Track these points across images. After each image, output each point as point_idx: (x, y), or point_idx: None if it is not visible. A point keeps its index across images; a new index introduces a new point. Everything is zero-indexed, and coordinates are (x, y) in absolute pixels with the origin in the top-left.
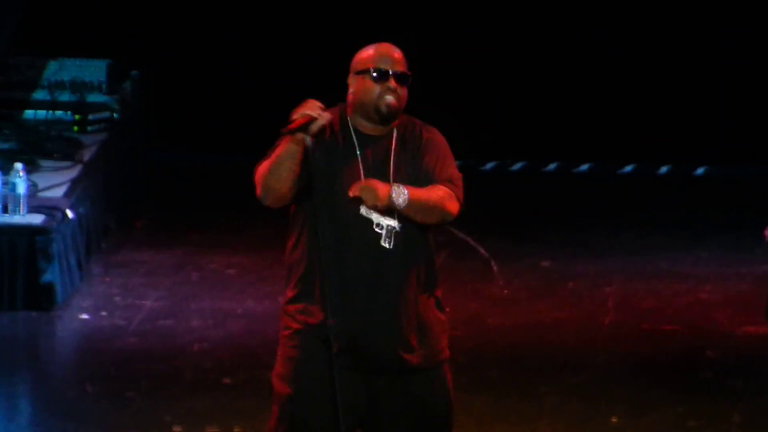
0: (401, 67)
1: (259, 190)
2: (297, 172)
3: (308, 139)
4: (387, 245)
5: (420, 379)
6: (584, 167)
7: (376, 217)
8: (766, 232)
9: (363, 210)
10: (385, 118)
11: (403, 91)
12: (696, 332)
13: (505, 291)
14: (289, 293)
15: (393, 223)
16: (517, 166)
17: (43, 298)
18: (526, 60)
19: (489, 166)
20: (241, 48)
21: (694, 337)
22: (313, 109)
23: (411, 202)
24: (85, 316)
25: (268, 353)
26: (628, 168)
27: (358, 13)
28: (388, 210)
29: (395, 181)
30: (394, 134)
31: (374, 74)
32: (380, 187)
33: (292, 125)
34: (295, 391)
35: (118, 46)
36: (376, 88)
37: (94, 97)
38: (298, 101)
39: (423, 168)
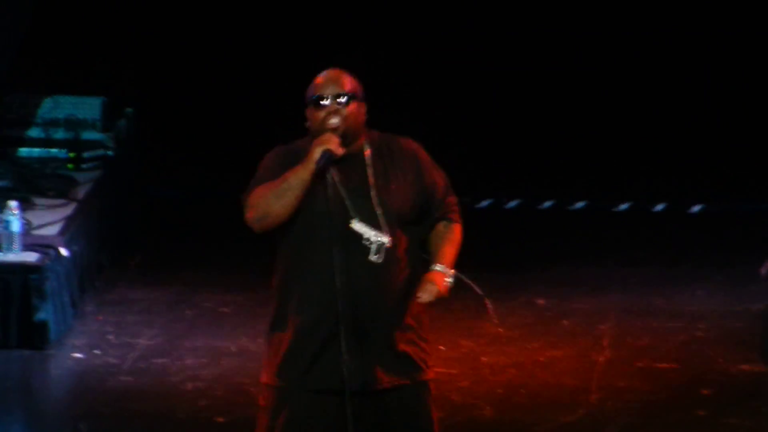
0: (339, 88)
1: (254, 213)
2: (301, 200)
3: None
4: (376, 259)
5: (396, 400)
6: (580, 205)
7: (366, 232)
8: (761, 269)
9: (355, 225)
10: (331, 162)
11: (349, 109)
12: (691, 370)
13: (500, 329)
14: (272, 316)
15: (383, 238)
16: (512, 203)
17: (36, 336)
18: (522, 98)
19: (484, 203)
20: (236, 87)
21: (690, 375)
22: (332, 143)
23: (452, 265)
24: (78, 355)
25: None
26: (624, 206)
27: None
28: (377, 224)
29: (379, 194)
30: (367, 149)
31: (313, 103)
32: (439, 281)
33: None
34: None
35: (113, 83)
36: (320, 115)
37: (88, 135)
38: (291, 140)
39: (424, 187)
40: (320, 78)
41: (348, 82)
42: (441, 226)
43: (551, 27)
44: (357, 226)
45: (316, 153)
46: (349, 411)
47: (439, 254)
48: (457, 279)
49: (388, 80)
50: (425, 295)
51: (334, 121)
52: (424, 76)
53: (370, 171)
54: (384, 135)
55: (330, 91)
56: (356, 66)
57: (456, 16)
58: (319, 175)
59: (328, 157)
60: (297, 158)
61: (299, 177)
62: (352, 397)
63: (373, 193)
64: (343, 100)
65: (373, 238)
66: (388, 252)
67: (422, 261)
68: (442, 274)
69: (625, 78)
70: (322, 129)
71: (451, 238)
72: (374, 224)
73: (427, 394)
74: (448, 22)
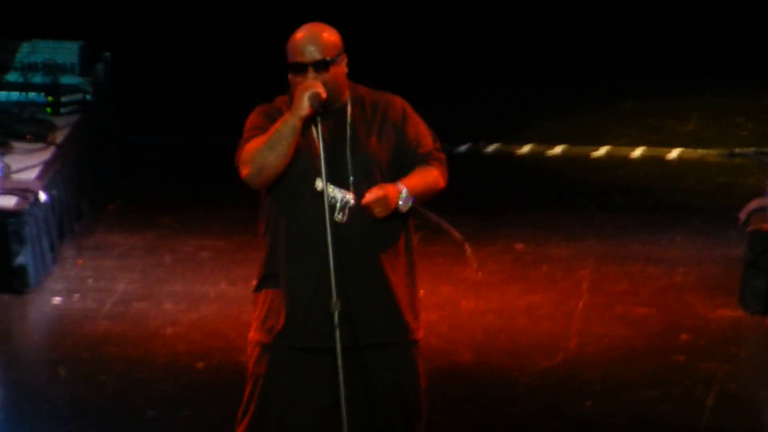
0: (320, 53)
1: (249, 169)
2: (294, 148)
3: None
4: (341, 217)
5: (384, 355)
6: (558, 150)
7: (331, 190)
8: (739, 215)
9: (318, 184)
10: (320, 107)
11: (331, 74)
12: (670, 315)
13: (479, 274)
14: (259, 274)
15: (347, 196)
16: (490, 148)
17: (15, 281)
18: (501, 41)
19: (462, 148)
20: (214, 30)
21: (668, 320)
22: (316, 87)
23: (415, 193)
24: (57, 299)
25: (241, 337)
26: (601, 150)
27: None
28: (344, 183)
29: (354, 149)
30: (348, 105)
31: (293, 69)
32: (391, 193)
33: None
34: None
35: (91, 27)
36: (299, 80)
37: (66, 79)
38: (270, 85)
39: (406, 143)
40: (299, 38)
41: (328, 43)
42: (418, 166)
43: None
44: (320, 184)
45: (304, 99)
46: (339, 365)
47: (405, 177)
48: (432, 222)
49: (366, 27)
50: (369, 195)
51: (315, 90)
52: (402, 21)
53: (348, 128)
54: (370, 91)
55: (310, 56)
56: (333, 11)
57: None
58: (309, 120)
59: (315, 101)
60: (281, 113)
61: (289, 124)
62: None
63: (348, 151)
64: (322, 68)
65: (338, 195)
66: (354, 210)
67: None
68: (398, 190)
69: (601, 19)
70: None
71: (423, 172)
72: (343, 182)
73: (415, 352)
74: None
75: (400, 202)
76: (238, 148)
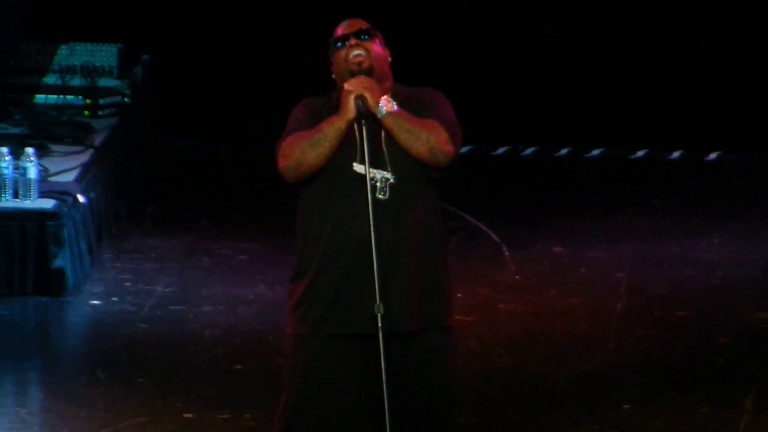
0: (360, 25)
1: (287, 162)
2: (335, 149)
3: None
4: (382, 196)
5: (420, 343)
6: (596, 152)
7: (371, 172)
8: None
9: (357, 168)
10: (361, 73)
11: (372, 44)
12: (708, 318)
13: (517, 277)
14: (296, 265)
15: (387, 174)
16: (528, 151)
17: (53, 284)
18: (540, 45)
19: (501, 151)
20: (253, 34)
21: (707, 324)
22: (362, 83)
23: (400, 113)
24: (95, 302)
25: (279, 339)
26: (640, 153)
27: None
28: (381, 163)
29: (390, 141)
30: (390, 95)
31: (337, 44)
32: (377, 87)
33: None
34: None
35: (129, 30)
36: (342, 53)
37: (104, 82)
38: (307, 87)
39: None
40: (339, 26)
41: (368, 24)
42: None
43: None
44: (360, 168)
45: (350, 102)
46: (382, 352)
47: None
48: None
49: (405, 28)
50: (353, 80)
51: (358, 52)
52: (442, 25)
53: None
54: (410, 88)
55: (349, 30)
56: (373, 14)
57: None
58: (354, 122)
59: (362, 105)
60: (326, 108)
61: (335, 126)
62: (372, 341)
63: (383, 133)
64: (364, 35)
65: (377, 176)
66: (397, 189)
67: (441, 208)
68: (387, 98)
69: (642, 23)
70: (347, 67)
71: (424, 118)
72: (380, 164)
73: (448, 340)
74: None
75: (384, 99)
76: (280, 138)
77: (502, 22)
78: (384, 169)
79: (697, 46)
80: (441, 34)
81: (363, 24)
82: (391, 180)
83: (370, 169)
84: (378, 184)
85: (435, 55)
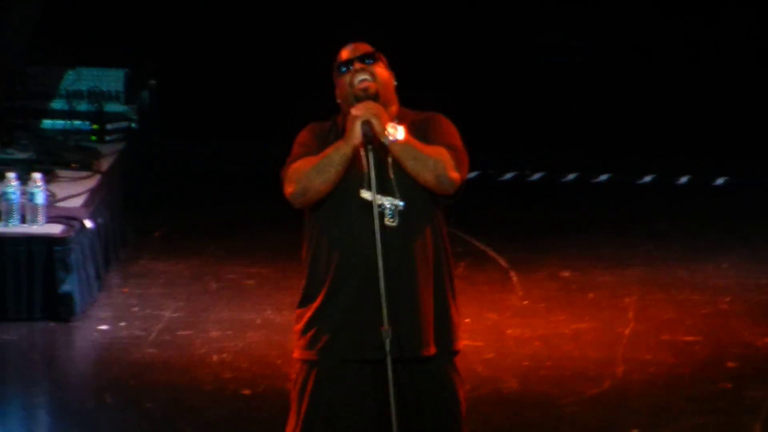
0: (364, 50)
1: (294, 188)
2: (342, 175)
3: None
4: (391, 222)
5: (427, 369)
6: (603, 177)
7: (379, 199)
8: None
9: (365, 194)
10: (367, 98)
11: (377, 68)
12: (716, 343)
13: (525, 301)
14: (303, 290)
15: (395, 201)
16: (536, 176)
17: (61, 308)
18: (546, 72)
19: (508, 176)
20: (261, 59)
21: (714, 348)
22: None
23: (407, 140)
24: (103, 327)
25: (287, 364)
26: (647, 178)
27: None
28: (389, 190)
29: (397, 167)
30: (396, 120)
31: (341, 68)
32: (384, 113)
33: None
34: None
35: (136, 55)
36: (347, 78)
37: (111, 107)
38: (315, 112)
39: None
40: (343, 50)
41: (372, 47)
42: None
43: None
44: (367, 194)
45: (356, 128)
46: (390, 377)
47: None
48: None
49: (411, 53)
50: (360, 105)
51: (363, 77)
52: (449, 49)
53: None
54: (416, 113)
55: (353, 54)
56: (380, 39)
57: None
58: (360, 148)
59: (368, 131)
60: (332, 133)
61: (341, 152)
62: (380, 366)
63: (390, 160)
64: (368, 60)
65: (386, 203)
66: (403, 215)
67: (448, 232)
68: (394, 124)
69: (649, 51)
70: (353, 92)
71: (431, 144)
72: (388, 190)
73: (456, 365)
74: None
75: (389, 128)
76: (285, 164)
77: (509, 48)
78: (392, 195)
79: (708, 75)
80: (448, 59)
81: (367, 48)
82: (400, 207)
83: (378, 196)
84: (386, 210)
85: (442, 80)
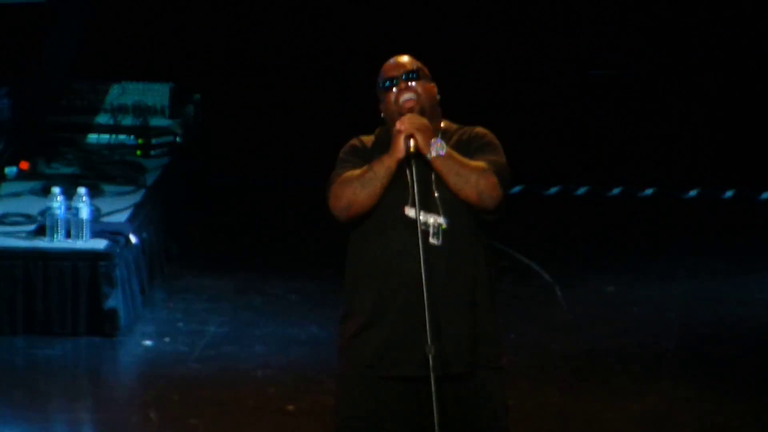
0: (408, 67)
1: (338, 202)
2: (385, 188)
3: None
4: (435, 241)
5: (471, 385)
6: (648, 192)
7: (423, 216)
8: None
9: (409, 212)
10: (416, 149)
11: (422, 86)
12: (762, 358)
13: (569, 316)
14: (346, 305)
15: (440, 219)
16: (581, 190)
17: (106, 324)
18: (591, 85)
19: (552, 190)
20: (302, 73)
21: (760, 363)
22: (418, 126)
23: (450, 155)
24: (147, 342)
25: (332, 379)
26: (692, 192)
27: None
28: (433, 207)
29: (440, 183)
30: (440, 135)
31: (386, 84)
32: (428, 127)
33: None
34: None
35: (180, 69)
36: (392, 96)
37: (156, 121)
38: (359, 126)
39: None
40: (387, 64)
41: (415, 62)
42: None
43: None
44: (411, 212)
45: (400, 142)
46: (434, 393)
47: None
48: (522, 263)
49: (456, 65)
50: (405, 119)
51: (408, 95)
52: (494, 63)
53: None
54: (460, 126)
55: (398, 72)
56: (424, 51)
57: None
58: (404, 163)
59: (412, 145)
60: (376, 147)
61: (385, 165)
62: (423, 383)
63: (433, 176)
64: (413, 76)
65: (430, 221)
66: (449, 234)
67: (491, 247)
68: (438, 139)
69: (694, 63)
70: (397, 110)
71: (472, 160)
72: (432, 208)
73: (500, 380)
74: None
75: (434, 142)
76: (328, 179)
77: (555, 60)
78: (436, 213)
79: (752, 86)
80: (493, 72)
81: (412, 64)
82: (444, 225)
83: (422, 213)
84: (430, 229)
85: (487, 93)
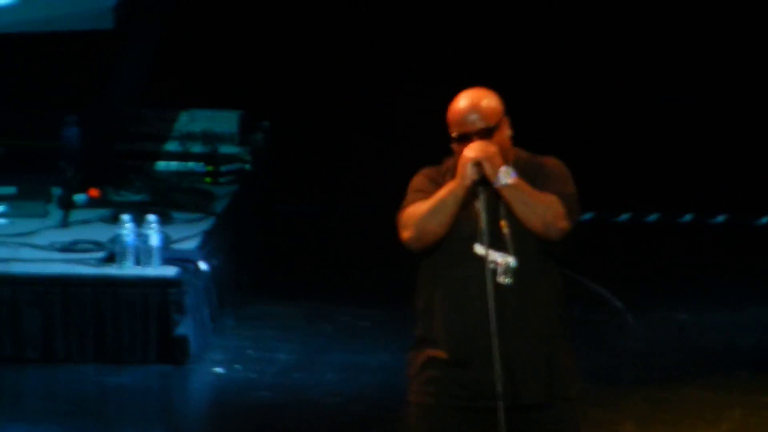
0: (483, 121)
1: (409, 233)
2: (455, 216)
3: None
4: (506, 280)
5: (544, 416)
6: (720, 218)
7: (491, 254)
8: None
9: (478, 249)
10: (483, 176)
11: (495, 140)
12: None
13: (640, 343)
14: (416, 335)
15: (508, 258)
16: (651, 217)
17: (176, 351)
18: (663, 110)
19: (623, 217)
20: (371, 102)
21: None
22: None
23: (518, 184)
24: (218, 370)
25: (402, 408)
26: (765, 219)
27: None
28: (503, 244)
29: (511, 214)
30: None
31: (458, 140)
32: (498, 154)
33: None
34: None
35: (249, 96)
36: (463, 149)
37: (226, 149)
38: (424, 153)
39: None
40: (460, 109)
41: (488, 110)
42: None
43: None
44: (481, 249)
45: (468, 169)
46: (502, 423)
47: None
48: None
49: (527, 93)
50: (474, 145)
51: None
52: (564, 90)
53: None
54: (530, 155)
55: (472, 126)
56: (495, 80)
57: (585, 28)
58: (472, 190)
59: (480, 172)
60: (446, 177)
61: (453, 193)
62: (493, 414)
63: (502, 211)
64: (486, 136)
65: (499, 259)
66: (519, 272)
67: (563, 278)
68: (508, 169)
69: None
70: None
71: (543, 192)
72: (502, 246)
73: (573, 412)
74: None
75: (502, 170)
76: (400, 210)
77: (624, 87)
78: (505, 250)
79: None
80: (563, 100)
81: (484, 113)
82: (512, 264)
83: (491, 252)
84: (499, 268)
85: (558, 121)
